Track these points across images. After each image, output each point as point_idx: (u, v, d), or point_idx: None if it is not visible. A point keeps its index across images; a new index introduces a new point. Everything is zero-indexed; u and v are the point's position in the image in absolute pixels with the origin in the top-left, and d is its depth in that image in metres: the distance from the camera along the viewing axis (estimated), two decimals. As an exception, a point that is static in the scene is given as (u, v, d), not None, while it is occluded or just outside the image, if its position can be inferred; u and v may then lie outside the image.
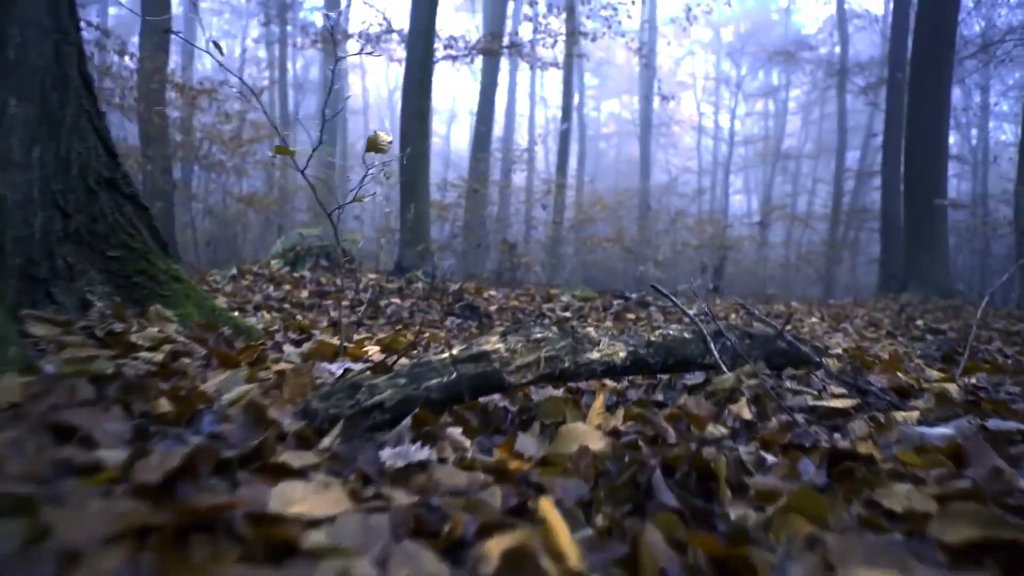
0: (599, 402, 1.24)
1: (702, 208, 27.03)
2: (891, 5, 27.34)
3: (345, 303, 4.90)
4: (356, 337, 2.48)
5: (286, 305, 4.74)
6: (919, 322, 6.32)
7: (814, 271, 21.64)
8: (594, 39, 12.45)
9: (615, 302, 5.88)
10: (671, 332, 1.53)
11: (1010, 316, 8.15)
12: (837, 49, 27.34)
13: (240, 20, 32.53)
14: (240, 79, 2.29)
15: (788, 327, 5.17)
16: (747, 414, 1.31)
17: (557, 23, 12.94)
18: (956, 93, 14.58)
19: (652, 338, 1.47)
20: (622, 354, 1.38)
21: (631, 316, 5.28)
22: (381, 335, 4.10)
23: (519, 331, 1.22)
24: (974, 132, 29.68)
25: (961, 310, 9.18)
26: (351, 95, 32.80)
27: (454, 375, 1.11)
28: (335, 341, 2.25)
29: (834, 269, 21.92)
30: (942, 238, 12.05)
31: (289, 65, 31.38)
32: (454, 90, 41.23)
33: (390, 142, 1.70)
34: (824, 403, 1.43)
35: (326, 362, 1.64)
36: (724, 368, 1.52)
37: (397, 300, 5.03)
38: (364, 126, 37.84)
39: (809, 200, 31.43)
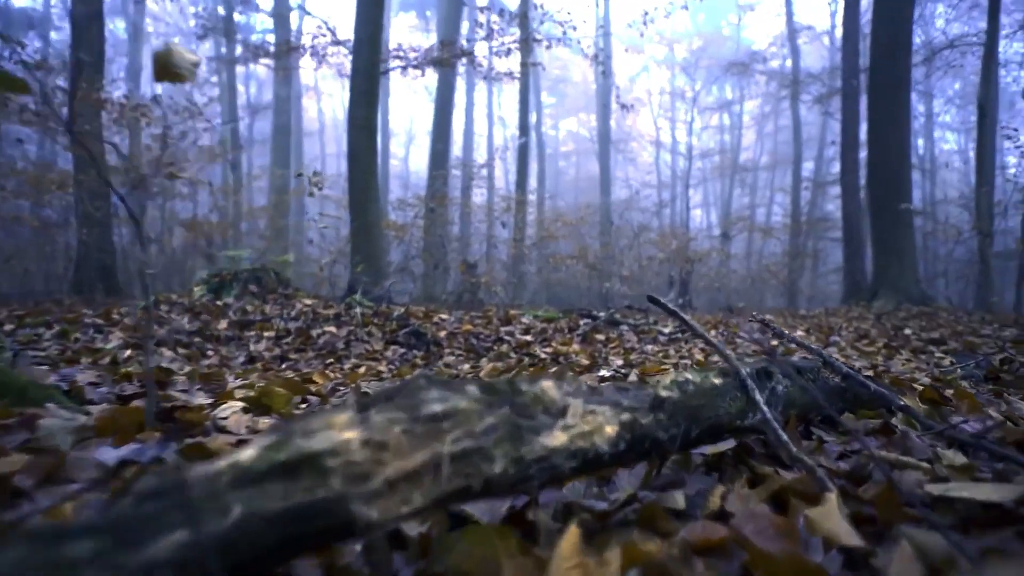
0: (570, 542, 0.61)
1: (663, 222, 26.80)
2: (838, 17, 27.83)
3: (270, 334, 4.22)
4: (233, 384, 1.81)
5: (197, 339, 4.03)
6: (907, 331, 5.84)
7: (777, 282, 21.39)
8: (549, 46, 11.96)
9: (582, 322, 5.27)
10: (690, 377, 0.88)
11: (993, 322, 7.76)
12: (788, 63, 27.61)
13: (190, 44, 31.68)
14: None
15: (775, 344, 4.60)
16: (846, 533, 0.70)
17: (510, 38, 12.46)
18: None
19: (663, 392, 0.81)
20: (610, 430, 0.72)
21: (600, 337, 4.68)
22: (304, 371, 3.43)
23: (396, 399, 0.58)
24: (920, 142, 30.20)
25: (936, 316, 8.82)
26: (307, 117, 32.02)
27: (233, 517, 0.49)
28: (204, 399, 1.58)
29: (797, 279, 21.72)
30: (910, 244, 11.78)
31: (241, 87, 30.53)
32: (411, 111, 40.86)
33: (196, 64, 1.07)
34: (958, 491, 0.83)
35: (109, 444, 1.00)
36: (779, 431, 0.90)
37: (333, 328, 4.35)
38: (320, 149, 37.18)
39: (767, 212, 31.55)
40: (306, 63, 15.79)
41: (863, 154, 18.13)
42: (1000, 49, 14.38)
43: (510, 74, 14.56)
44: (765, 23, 42.06)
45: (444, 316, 5.17)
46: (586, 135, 38.96)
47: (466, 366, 3.58)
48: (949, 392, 1.72)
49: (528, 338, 4.42)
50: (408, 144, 41.58)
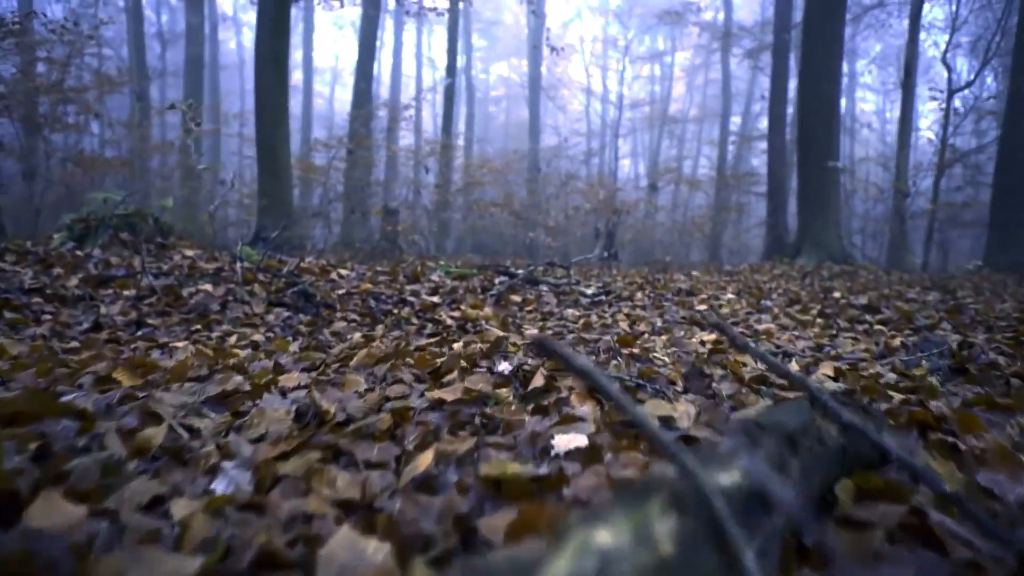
0: None
1: (591, 171, 26.51)
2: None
3: (130, 292, 3.59)
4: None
5: (37, 299, 3.36)
6: (836, 294, 5.64)
7: (702, 235, 21.43)
8: (476, -20, 11.17)
9: (498, 280, 4.80)
10: (606, 545, 0.39)
11: (912, 283, 7.74)
12: (720, 15, 27.41)
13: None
14: None
15: (703, 308, 4.25)
16: None
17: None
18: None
19: None
20: None
21: (516, 299, 4.22)
22: (164, 341, 2.86)
23: None
24: (843, 101, 30.75)
25: (857, 275, 8.81)
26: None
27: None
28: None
29: (721, 232, 21.86)
30: (835, 201, 11.77)
31: (151, 14, 28.11)
32: (337, 49, 39.02)
33: None
34: None
35: None
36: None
37: (209, 286, 3.74)
38: (240, 84, 34.94)
39: (694, 164, 31.68)
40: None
41: (791, 110, 18.18)
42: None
43: (435, 10, 13.68)
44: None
45: (344, 272, 4.59)
46: (517, 80, 38.02)
47: (357, 335, 3.08)
48: (937, 405, 1.34)
49: (435, 299, 3.92)
50: (333, 83, 39.88)
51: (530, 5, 12.79)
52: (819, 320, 3.86)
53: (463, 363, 1.77)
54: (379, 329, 3.22)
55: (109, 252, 4.44)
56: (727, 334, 0.94)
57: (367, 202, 15.13)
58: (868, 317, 4.02)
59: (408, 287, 4.27)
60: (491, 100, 42.42)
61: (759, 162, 25.62)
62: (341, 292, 3.89)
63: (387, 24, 30.93)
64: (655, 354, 2.21)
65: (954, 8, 15.87)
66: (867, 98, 35.96)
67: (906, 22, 17.67)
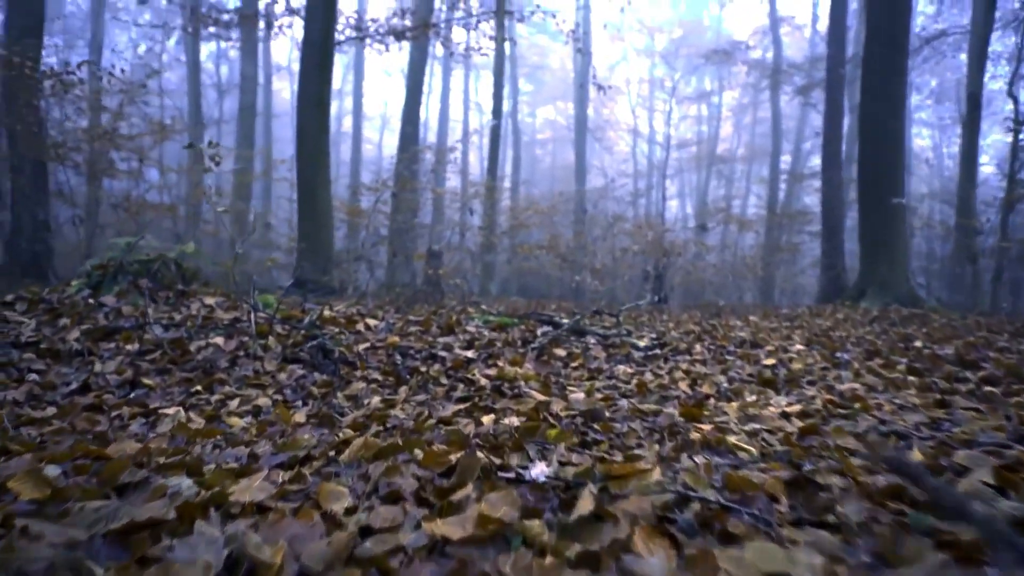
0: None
1: (638, 212, 26.06)
2: (820, 8, 27.30)
3: (133, 347, 3.26)
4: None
5: (28, 355, 3.06)
6: (918, 343, 5.03)
7: (752, 276, 20.61)
8: (522, 19, 11.07)
9: (540, 331, 4.36)
10: None
11: (994, 328, 7.01)
12: (769, 54, 27.05)
13: (142, 12, 30.21)
14: None
15: (772, 363, 3.75)
16: None
17: (480, 8, 11.54)
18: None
19: None
20: None
21: (561, 353, 3.77)
22: (152, 407, 2.50)
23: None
24: (901, 135, 29.85)
25: (929, 319, 8.10)
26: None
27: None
28: None
29: (774, 272, 21.04)
30: (901, 240, 11.04)
31: (211, 66, 29.18)
32: (386, 96, 39.76)
33: None
34: None
35: None
36: None
37: (219, 340, 3.40)
38: (292, 131, 35.69)
39: (743, 204, 31.00)
40: (281, 45, 14.64)
41: (844, 146, 17.51)
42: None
43: (479, 50, 13.59)
44: (746, 14, 41.51)
45: (372, 322, 4.22)
46: (563, 123, 38.08)
47: (376, 399, 2.67)
48: None
49: (469, 354, 3.50)
50: (382, 129, 40.57)
51: (576, 43, 12.58)
52: (911, 378, 3.31)
53: (484, 457, 1.34)
54: (402, 391, 2.81)
55: (124, 300, 4.17)
56: (924, 486, 0.53)
57: (411, 245, 14.96)
58: (968, 375, 3.45)
59: (441, 339, 3.86)
60: (537, 143, 42.55)
61: (811, 200, 24.86)
62: (366, 346, 3.51)
63: (435, 70, 31.35)
64: (733, 438, 1.74)
65: (1019, 39, 15.12)
66: (923, 133, 35.00)
67: (963, 56, 16.96)
